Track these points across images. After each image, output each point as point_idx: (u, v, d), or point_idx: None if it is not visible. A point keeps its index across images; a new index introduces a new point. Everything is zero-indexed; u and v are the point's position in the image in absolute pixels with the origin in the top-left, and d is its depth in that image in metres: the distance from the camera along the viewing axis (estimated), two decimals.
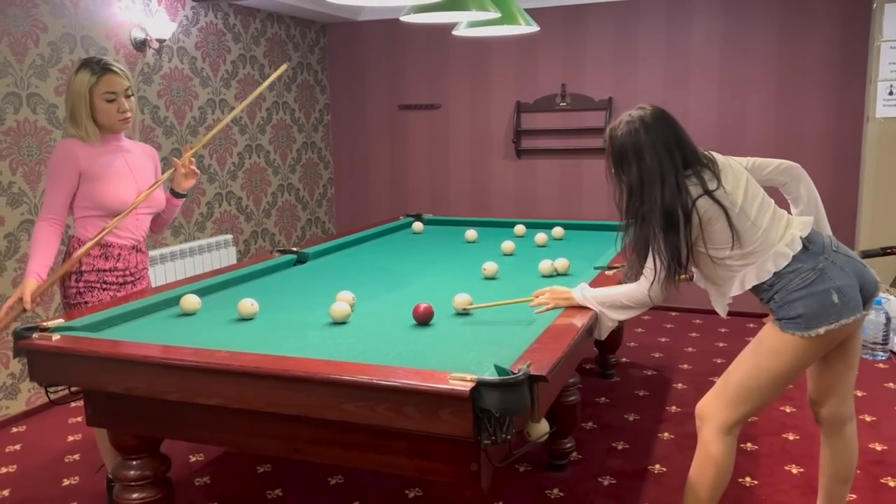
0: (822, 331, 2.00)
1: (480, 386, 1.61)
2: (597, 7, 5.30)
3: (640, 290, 2.14)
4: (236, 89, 5.12)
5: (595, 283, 2.56)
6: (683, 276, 2.29)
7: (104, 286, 2.59)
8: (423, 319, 2.26)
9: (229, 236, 5.01)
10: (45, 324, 2.15)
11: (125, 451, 2.20)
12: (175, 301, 2.49)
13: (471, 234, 3.76)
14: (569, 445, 2.99)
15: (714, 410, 2.15)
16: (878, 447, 3.17)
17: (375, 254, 3.52)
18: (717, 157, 2.14)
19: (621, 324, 4.04)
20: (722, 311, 2.19)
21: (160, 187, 2.72)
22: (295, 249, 3.31)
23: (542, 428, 1.91)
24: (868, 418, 3.46)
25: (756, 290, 2.10)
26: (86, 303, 2.57)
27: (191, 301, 2.44)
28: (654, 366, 4.29)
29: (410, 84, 5.94)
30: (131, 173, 2.63)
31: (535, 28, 3.15)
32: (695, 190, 2.03)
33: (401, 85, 5.96)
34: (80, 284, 2.57)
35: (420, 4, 2.58)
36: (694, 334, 4.84)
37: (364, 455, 1.88)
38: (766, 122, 5.05)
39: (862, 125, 4.76)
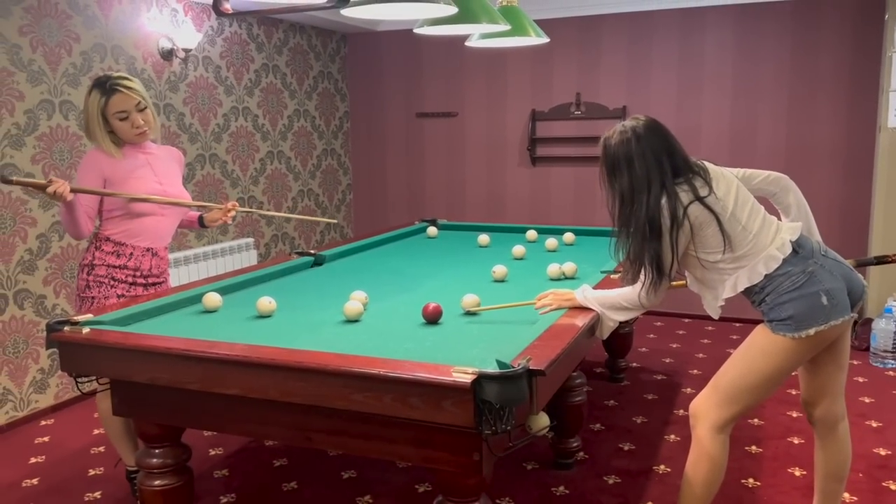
0: (811, 332, 2.07)
1: (481, 378, 1.71)
2: (611, 18, 5.39)
3: (634, 292, 2.23)
4: (259, 97, 5.27)
5: (600, 286, 2.65)
6: (681, 282, 2.38)
7: (112, 283, 2.72)
8: (432, 318, 2.36)
9: (251, 240, 5.15)
10: (75, 318, 2.28)
11: (149, 440, 2.33)
12: (198, 299, 2.62)
13: (483, 238, 3.86)
14: (575, 445, 3.08)
15: (706, 409, 2.23)
16: (883, 452, 3.21)
17: (390, 257, 3.63)
18: (709, 165, 2.22)
19: (631, 328, 4.14)
20: (714, 314, 2.27)
21: (183, 188, 2.86)
22: (312, 252, 3.43)
23: (543, 421, 2.01)
24: (875, 424, 3.51)
25: (748, 292, 2.18)
26: (93, 297, 2.70)
27: (212, 299, 2.56)
28: (665, 370, 4.35)
29: (428, 92, 6.06)
30: (155, 176, 2.77)
31: (545, 39, 3.26)
32: (686, 196, 2.11)
33: (418, 93, 6.09)
34: (90, 278, 2.71)
35: (433, 18, 2.69)
36: (706, 341, 4.89)
37: (372, 444, 1.98)
38: (777, 132, 5.10)
39: (874, 135, 4.79)
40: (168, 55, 4.46)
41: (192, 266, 4.56)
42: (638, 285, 2.21)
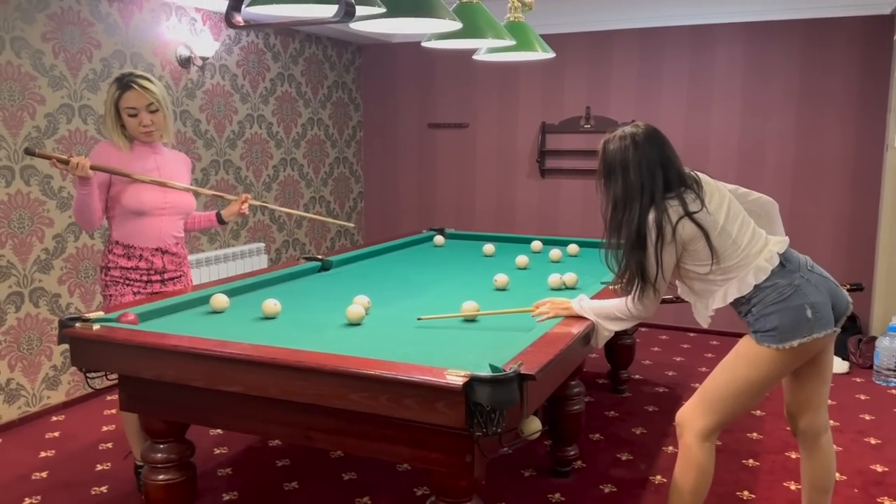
0: (795, 343, 2.12)
1: (473, 381, 1.77)
2: (622, 33, 5.45)
3: (627, 303, 2.28)
4: (274, 105, 5.38)
5: (598, 297, 2.70)
6: (668, 297, 2.42)
7: (127, 282, 2.84)
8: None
9: (262, 244, 5.24)
10: (87, 315, 2.36)
11: (154, 436, 2.40)
12: (206, 300, 2.69)
13: (488, 248, 3.92)
14: (573, 453, 3.12)
15: (692, 417, 2.28)
16: (880, 468, 3.23)
17: (396, 264, 3.70)
18: (704, 178, 2.27)
19: (633, 340, 4.18)
20: (704, 323, 2.31)
21: (190, 193, 2.96)
22: (320, 257, 3.50)
23: (534, 425, 2.06)
24: (874, 441, 3.52)
25: (735, 303, 2.22)
26: (110, 296, 2.84)
27: (220, 300, 2.64)
28: (667, 383, 4.38)
29: (440, 103, 6.15)
30: (159, 177, 2.85)
31: (551, 55, 3.32)
32: (675, 212, 2.16)
33: (431, 104, 6.18)
34: (107, 278, 2.85)
35: (440, 32, 2.77)
36: (710, 355, 4.92)
37: (369, 444, 2.04)
38: (785, 150, 5.14)
39: (882, 154, 4.82)
40: (186, 63, 4.57)
41: (203, 269, 4.65)
42: (630, 296, 2.26)
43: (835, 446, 2.85)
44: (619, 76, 5.52)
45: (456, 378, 1.77)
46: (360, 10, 1.83)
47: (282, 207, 4.02)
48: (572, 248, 3.92)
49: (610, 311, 2.35)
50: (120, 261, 2.83)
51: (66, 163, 2.61)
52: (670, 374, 4.55)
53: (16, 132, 3.64)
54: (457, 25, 2.50)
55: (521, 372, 1.83)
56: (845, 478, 3.13)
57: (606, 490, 3.03)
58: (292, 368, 1.95)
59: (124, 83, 2.74)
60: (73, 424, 3.74)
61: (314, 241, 5.95)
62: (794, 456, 3.34)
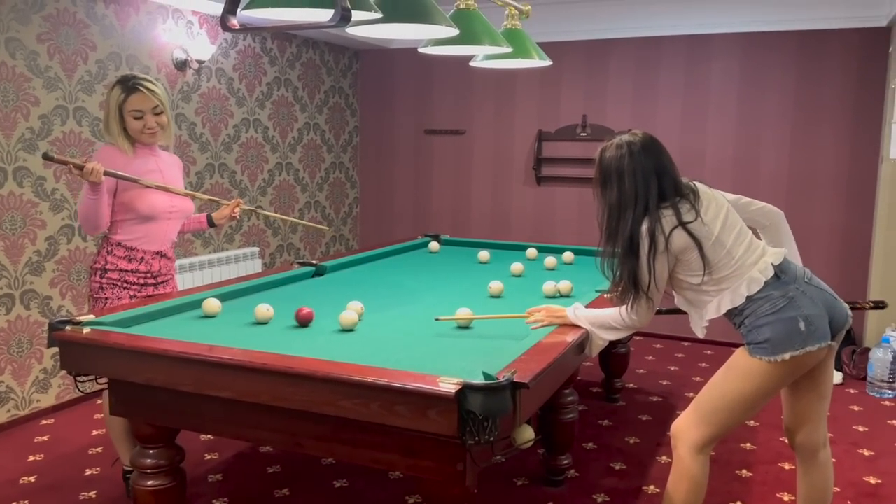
0: (787, 356, 2.10)
1: (466, 389, 1.75)
2: (620, 43, 5.46)
3: (621, 312, 2.27)
4: (270, 110, 5.37)
5: (593, 305, 2.69)
6: (668, 310, 2.42)
7: (124, 285, 2.82)
8: (304, 321, 2.48)
9: (255, 249, 5.22)
10: (77, 318, 2.34)
11: (143, 440, 2.37)
12: (198, 304, 2.68)
13: (483, 255, 3.91)
14: (566, 462, 3.10)
15: (686, 429, 2.26)
16: (873, 481, 3.22)
17: (390, 270, 3.68)
18: (701, 187, 2.26)
19: (627, 348, 4.17)
20: (700, 333, 2.30)
21: (188, 198, 2.96)
22: (314, 262, 3.48)
23: (527, 434, 2.05)
24: (867, 453, 3.51)
25: (729, 314, 2.21)
26: (106, 298, 2.80)
27: (212, 304, 2.62)
28: (661, 392, 4.37)
29: (437, 109, 6.15)
30: (164, 181, 2.85)
31: (548, 62, 3.32)
32: (668, 222, 2.15)
33: (428, 110, 6.18)
34: (104, 280, 2.82)
35: (436, 38, 2.76)
36: (704, 364, 4.91)
37: (361, 451, 2.03)
38: (780, 161, 5.14)
39: (876, 166, 4.83)
40: (182, 66, 4.55)
41: (196, 273, 4.62)
42: (624, 306, 2.25)
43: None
44: (615, 85, 5.53)
45: (449, 386, 1.76)
46: (357, 15, 1.82)
47: (272, 213, 3.99)
48: (567, 255, 3.91)
49: (605, 321, 2.34)
50: (120, 263, 2.82)
51: (82, 168, 2.61)
52: (664, 383, 4.54)
53: (9, 133, 3.62)
54: (453, 32, 2.50)
55: (515, 380, 1.81)
56: (838, 489, 3.11)
57: (599, 500, 3.01)
58: (283, 374, 1.93)
59: (129, 86, 2.74)
60: (62, 428, 3.71)
61: (309, 245, 5.94)
62: (787, 467, 3.33)
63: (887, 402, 4.23)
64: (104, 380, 2.33)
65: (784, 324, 2.10)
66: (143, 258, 2.84)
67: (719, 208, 2.23)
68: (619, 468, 3.31)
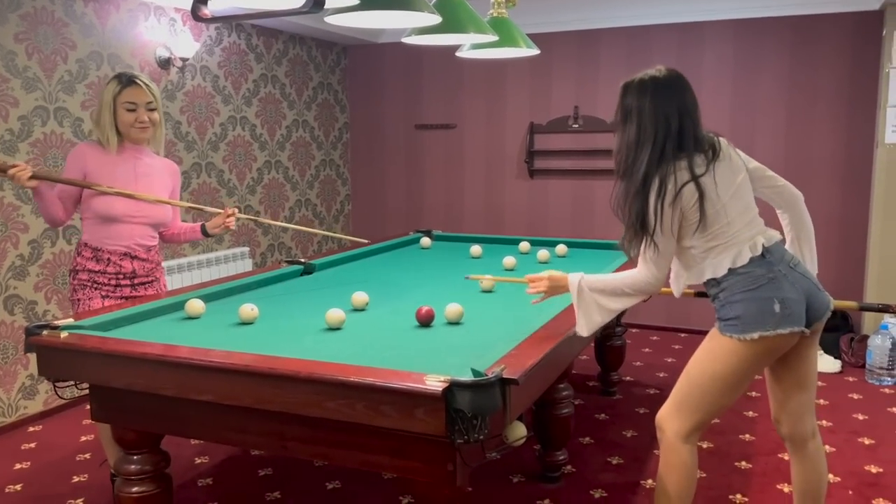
0: (755, 335, 2.04)
1: (454, 386, 1.69)
2: (610, 32, 5.40)
3: (637, 274, 2.16)
4: (257, 107, 5.29)
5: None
6: (667, 289, 2.35)
7: (95, 286, 2.77)
8: (425, 321, 2.40)
9: (246, 248, 5.15)
10: (55, 322, 2.27)
11: (127, 446, 2.31)
12: (181, 305, 2.61)
13: (475, 249, 3.85)
14: (562, 458, 3.04)
15: (669, 418, 2.22)
16: (874, 469, 3.17)
17: (380, 267, 3.62)
18: (723, 144, 2.15)
19: (623, 341, 4.10)
20: (677, 293, 2.25)
21: (167, 203, 2.89)
22: (302, 260, 3.42)
23: (519, 431, 1.99)
24: (867, 441, 3.46)
25: (707, 284, 2.16)
26: (78, 300, 2.77)
27: (195, 305, 2.55)
28: (658, 384, 4.31)
29: (427, 104, 6.08)
30: (134, 185, 2.78)
31: (535, 51, 3.26)
32: (682, 176, 2.05)
33: (418, 105, 6.11)
34: (75, 282, 2.79)
35: (420, 27, 2.70)
36: None
37: (348, 453, 1.96)
38: (776, 147, 5.09)
39: (872, 150, 4.77)
40: (165, 64, 4.48)
41: (185, 274, 4.56)
42: (641, 267, 2.14)
43: (827, 447, 2.79)
44: (606, 75, 5.46)
45: (435, 383, 1.70)
46: (332, 1, 1.75)
47: (266, 220, 3.84)
48: (560, 248, 3.85)
49: (616, 287, 2.20)
50: (88, 264, 2.78)
51: (6, 171, 2.56)
52: (661, 375, 4.49)
53: None
54: (436, 19, 2.43)
55: (504, 376, 1.75)
56: (839, 479, 3.07)
57: (597, 495, 2.96)
58: (265, 376, 1.87)
59: (126, 79, 2.75)
60: (50, 435, 3.65)
61: (300, 244, 5.87)
62: (786, 457, 3.26)
63: (887, 390, 4.18)
64: (85, 385, 2.27)
65: (757, 303, 2.04)
66: (109, 259, 2.79)
67: (735, 171, 2.13)
68: (616, 462, 3.25)
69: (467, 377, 1.72)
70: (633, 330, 5.37)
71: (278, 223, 3.45)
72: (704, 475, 3.06)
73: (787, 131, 5.06)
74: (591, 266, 3.43)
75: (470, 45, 3.24)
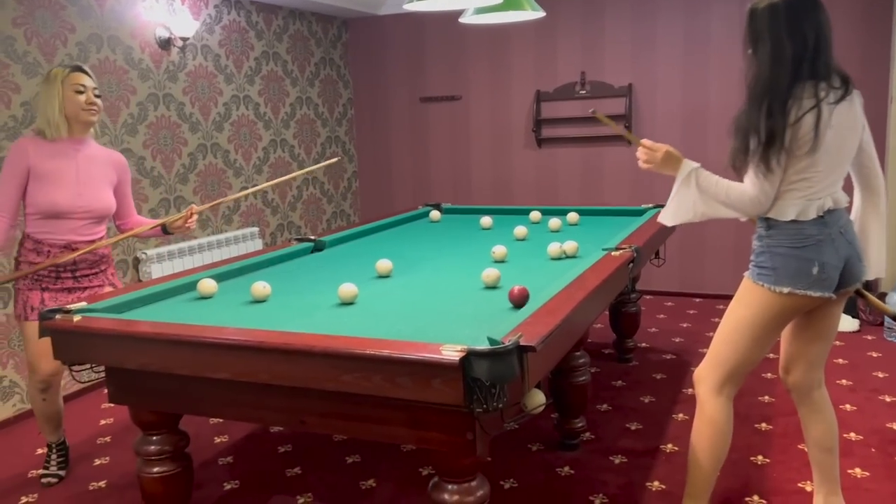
0: (785, 290, 2.06)
1: (471, 355, 1.67)
2: None
3: (742, 188, 2.08)
4: (260, 85, 5.24)
5: (600, 264, 2.61)
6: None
7: (36, 277, 2.80)
8: (518, 301, 2.21)
9: (255, 229, 5.14)
10: (68, 306, 2.26)
11: (145, 427, 2.32)
12: (194, 286, 2.60)
13: (486, 220, 3.82)
14: (580, 425, 3.03)
15: (705, 372, 2.26)
16: None
17: (390, 241, 3.59)
18: (856, 93, 2.09)
19: (638, 307, 4.07)
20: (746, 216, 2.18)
21: (110, 193, 2.90)
22: (312, 237, 3.40)
23: (538, 399, 1.97)
24: (888, 399, 3.44)
25: (760, 220, 2.15)
26: (19, 290, 2.83)
27: (207, 285, 2.54)
28: (674, 350, 4.29)
29: (431, 76, 6.00)
30: (76, 178, 2.79)
31: (541, 13, 3.19)
32: (808, 103, 1.99)
33: (422, 77, 6.04)
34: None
35: None
36: (716, 319, 4.81)
37: (366, 426, 1.95)
38: None
39: (886, 107, 4.68)
40: (166, 44, 4.43)
41: (196, 255, 4.55)
42: (747, 181, 2.07)
43: (848, 406, 2.75)
44: (612, 39, 5.37)
45: (452, 353, 1.68)
46: None
47: (233, 196, 3.55)
48: (572, 216, 3.82)
49: (719, 190, 2.12)
50: (29, 255, 2.82)
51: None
52: (677, 340, 4.46)
53: None
54: None
55: (521, 344, 1.73)
56: (861, 437, 3.05)
57: (616, 461, 2.95)
58: (280, 351, 1.85)
59: (73, 65, 2.80)
60: (70, 420, 3.65)
61: (309, 223, 5.85)
62: None
63: None
64: (101, 368, 2.27)
65: (799, 262, 2.06)
66: (49, 252, 2.80)
67: (853, 123, 2.07)
68: (635, 428, 3.24)
69: (484, 346, 1.70)
70: (648, 296, 5.34)
71: (241, 193, 3.30)
72: None
73: None
74: (603, 232, 3.39)
75: (473, 10, 3.18)
